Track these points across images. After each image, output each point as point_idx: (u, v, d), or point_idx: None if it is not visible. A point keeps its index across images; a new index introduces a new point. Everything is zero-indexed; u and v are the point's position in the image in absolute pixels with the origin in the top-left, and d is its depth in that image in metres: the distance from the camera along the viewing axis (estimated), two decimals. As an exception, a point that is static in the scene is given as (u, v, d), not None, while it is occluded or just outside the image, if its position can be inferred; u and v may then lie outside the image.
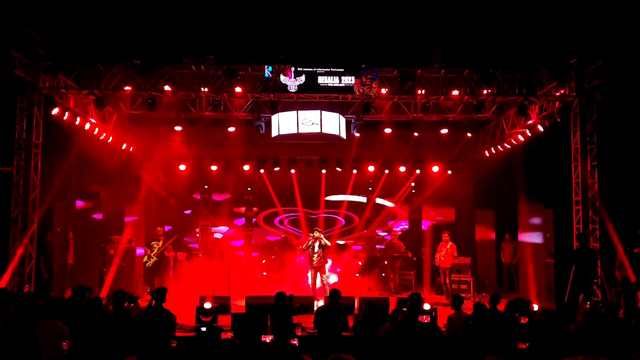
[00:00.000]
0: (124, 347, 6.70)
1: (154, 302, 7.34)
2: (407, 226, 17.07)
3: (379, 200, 17.10)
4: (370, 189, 16.95)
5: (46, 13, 10.71)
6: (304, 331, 8.36)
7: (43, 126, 11.03)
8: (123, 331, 7.07)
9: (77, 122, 11.53)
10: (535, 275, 12.48)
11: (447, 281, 12.72)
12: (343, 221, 17.32)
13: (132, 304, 8.54)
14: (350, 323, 8.89)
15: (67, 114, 11.18)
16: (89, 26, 11.27)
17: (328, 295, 9.05)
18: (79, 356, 6.09)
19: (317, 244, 11.85)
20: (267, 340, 7.29)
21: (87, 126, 11.87)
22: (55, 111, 10.82)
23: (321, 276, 11.80)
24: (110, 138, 12.95)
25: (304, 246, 12.51)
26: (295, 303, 9.02)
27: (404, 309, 7.71)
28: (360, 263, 15.33)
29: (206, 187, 16.75)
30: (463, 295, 10.04)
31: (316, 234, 11.95)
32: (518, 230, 13.43)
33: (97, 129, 12.26)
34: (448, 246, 12.82)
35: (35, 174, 10.90)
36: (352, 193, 16.94)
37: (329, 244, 12.16)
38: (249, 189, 16.86)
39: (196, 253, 14.92)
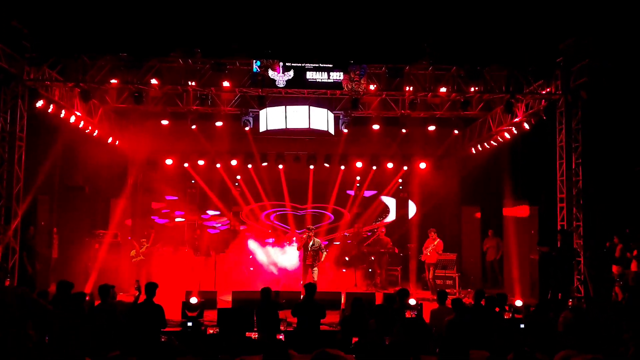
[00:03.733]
0: (109, 342, 6.66)
1: (142, 297, 7.30)
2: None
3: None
4: (358, 185, 16.99)
5: (31, 4, 10.54)
6: (289, 326, 8.38)
7: (27, 119, 10.87)
8: (108, 326, 7.03)
9: (62, 115, 11.39)
10: (520, 271, 12.63)
11: (431, 276, 12.81)
12: (332, 217, 17.35)
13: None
14: (337, 318, 8.94)
15: (52, 106, 11.03)
16: (75, 18, 11.14)
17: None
18: (62, 351, 6.02)
19: (310, 243, 11.98)
20: (253, 336, 7.30)
21: (73, 119, 11.73)
22: (39, 103, 10.67)
23: (311, 273, 11.88)
24: (96, 131, 12.81)
25: (302, 245, 12.52)
26: (281, 299, 9.03)
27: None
28: (347, 258, 15.38)
29: (193, 181, 16.66)
30: (448, 290, 10.14)
31: (310, 233, 12.12)
32: (503, 226, 13.58)
33: (82, 122, 12.12)
34: (435, 243, 12.93)
35: (20, 167, 10.74)
36: (340, 188, 16.97)
37: (317, 243, 12.13)
38: (237, 184, 16.81)
39: (182, 248, 14.86)
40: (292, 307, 8.06)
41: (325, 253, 12.24)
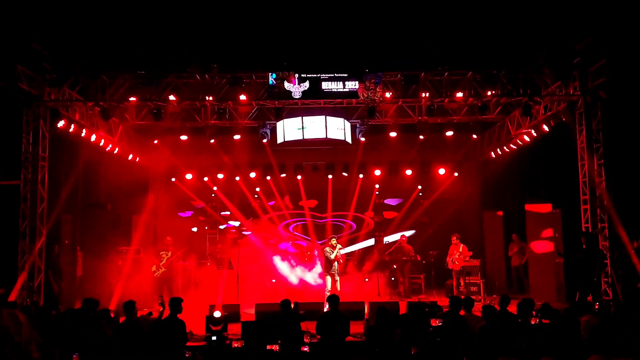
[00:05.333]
0: (135, 358, 6.70)
1: (167, 312, 7.33)
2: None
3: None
4: (377, 193, 16.91)
5: (50, 26, 10.73)
6: (313, 337, 8.32)
7: (49, 139, 11.06)
8: (133, 342, 7.06)
9: (83, 134, 11.60)
10: (545, 275, 12.43)
11: (462, 283, 12.67)
12: (354, 226, 17.33)
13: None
14: (361, 328, 8.87)
15: (73, 126, 11.22)
16: (93, 38, 11.29)
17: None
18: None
19: (335, 251, 11.91)
20: (276, 349, 7.27)
21: (93, 138, 11.93)
22: (61, 123, 10.87)
23: (335, 284, 11.81)
24: (117, 149, 12.99)
25: (331, 255, 12.26)
26: (300, 310, 8.99)
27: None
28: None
29: (213, 195, 16.76)
30: (473, 297, 10.00)
31: (332, 242, 12.05)
32: (526, 230, 13.37)
33: (103, 141, 12.30)
34: (460, 249, 12.80)
35: (43, 187, 10.91)
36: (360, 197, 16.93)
37: (332, 256, 11.98)
38: (256, 196, 16.85)
39: (204, 262, 14.92)
40: (317, 321, 8.01)
41: (341, 261, 12.17)
